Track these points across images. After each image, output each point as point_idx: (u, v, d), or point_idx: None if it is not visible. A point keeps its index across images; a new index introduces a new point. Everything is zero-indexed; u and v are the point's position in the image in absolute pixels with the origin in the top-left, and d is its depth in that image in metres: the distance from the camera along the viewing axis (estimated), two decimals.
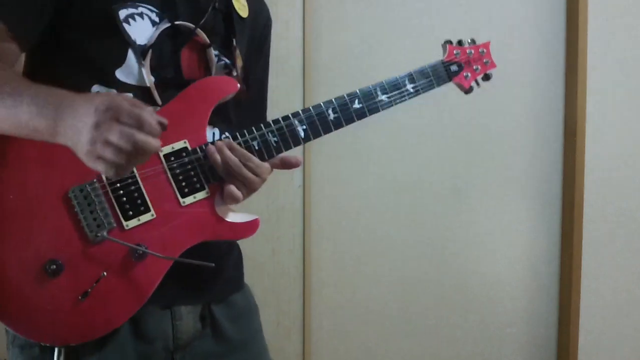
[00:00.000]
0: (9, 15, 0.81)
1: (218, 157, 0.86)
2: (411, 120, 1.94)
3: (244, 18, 0.99)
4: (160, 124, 0.74)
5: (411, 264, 1.99)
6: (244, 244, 1.07)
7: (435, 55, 2.05)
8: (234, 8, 0.97)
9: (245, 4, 1.00)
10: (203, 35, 0.92)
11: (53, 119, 0.72)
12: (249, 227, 0.91)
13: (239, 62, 0.96)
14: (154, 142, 0.72)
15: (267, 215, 1.85)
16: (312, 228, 1.92)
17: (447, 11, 1.94)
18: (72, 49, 0.86)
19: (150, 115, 0.72)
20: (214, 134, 0.95)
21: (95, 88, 0.85)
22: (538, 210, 2.00)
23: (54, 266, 0.81)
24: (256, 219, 0.91)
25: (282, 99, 1.82)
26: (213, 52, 0.94)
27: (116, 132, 0.70)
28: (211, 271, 0.89)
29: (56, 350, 0.84)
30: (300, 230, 1.92)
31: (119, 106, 0.70)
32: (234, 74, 0.96)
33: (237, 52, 0.96)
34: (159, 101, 0.88)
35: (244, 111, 1.03)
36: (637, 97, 1.99)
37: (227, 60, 0.96)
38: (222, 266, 0.97)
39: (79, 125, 0.70)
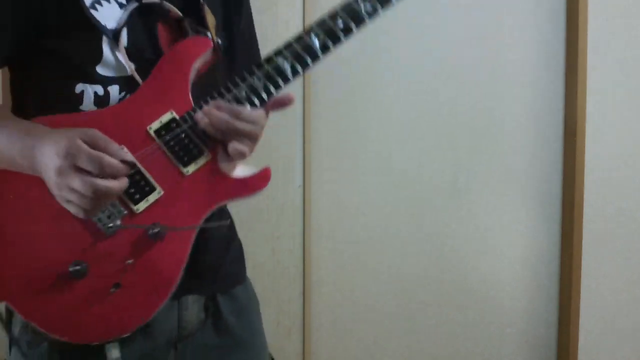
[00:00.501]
0: None
1: (208, 121, 0.84)
2: (411, 120, 1.94)
3: None
4: (126, 162, 0.74)
5: (411, 263, 1.99)
6: (243, 243, 1.07)
7: (435, 55, 2.05)
8: None
9: None
10: (174, 9, 0.90)
11: (29, 160, 0.76)
12: (261, 178, 0.88)
13: (210, 20, 0.93)
14: (117, 185, 0.74)
15: (267, 214, 1.85)
16: (312, 227, 1.93)
17: (447, 11, 1.94)
18: (50, 53, 0.84)
19: (114, 154, 0.73)
20: None
21: (80, 87, 0.84)
22: (538, 210, 2.00)
23: (79, 267, 0.81)
24: (266, 169, 0.89)
25: None
26: (188, 24, 0.91)
27: (76, 180, 0.71)
28: (215, 262, 0.89)
29: (106, 346, 0.84)
30: (300, 230, 1.92)
31: (78, 151, 0.71)
32: (208, 35, 0.92)
33: (206, 8, 0.93)
34: (140, 82, 0.86)
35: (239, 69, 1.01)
36: (637, 97, 1.99)
37: (203, 29, 0.93)
38: (225, 258, 0.97)
39: (47, 170, 0.73)
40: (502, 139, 1.98)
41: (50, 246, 0.82)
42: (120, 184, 0.74)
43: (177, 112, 0.86)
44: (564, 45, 1.96)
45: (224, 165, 0.87)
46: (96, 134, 0.75)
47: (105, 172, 0.72)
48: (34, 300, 0.82)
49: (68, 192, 0.73)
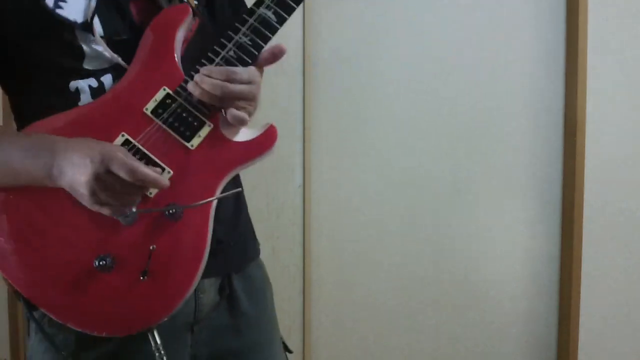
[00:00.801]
0: None
1: (201, 90, 0.81)
2: (411, 119, 1.94)
3: None
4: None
5: (411, 262, 1.99)
6: None
7: (435, 55, 2.05)
8: None
9: None
10: None
11: (48, 171, 0.77)
12: (268, 137, 0.86)
13: None
14: (159, 178, 0.77)
15: (267, 214, 1.86)
16: (312, 226, 1.93)
17: (447, 11, 1.94)
18: (35, 63, 0.84)
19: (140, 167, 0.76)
20: None
21: (73, 84, 0.84)
22: (538, 210, 2.01)
23: (104, 262, 0.80)
24: (270, 125, 0.87)
25: (282, 99, 1.82)
26: None
27: (116, 180, 0.75)
28: (224, 237, 0.88)
29: (148, 334, 0.83)
30: (300, 229, 1.92)
31: (109, 159, 0.74)
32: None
33: None
34: (124, 65, 0.85)
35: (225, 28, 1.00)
36: (637, 97, 1.99)
37: None
38: (234, 233, 0.96)
39: (79, 177, 0.75)
40: (502, 139, 1.98)
41: (73, 246, 0.81)
42: (165, 181, 0.78)
43: (169, 87, 0.84)
44: (564, 45, 1.96)
45: (227, 132, 0.85)
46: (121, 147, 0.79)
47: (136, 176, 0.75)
48: (66, 302, 0.81)
49: (108, 195, 0.76)
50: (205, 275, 0.88)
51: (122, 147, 0.80)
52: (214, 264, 0.88)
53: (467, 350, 2.03)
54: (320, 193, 1.92)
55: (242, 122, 0.82)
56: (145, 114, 0.83)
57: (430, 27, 1.94)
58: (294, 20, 1.87)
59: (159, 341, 0.83)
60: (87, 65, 0.83)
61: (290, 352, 1.08)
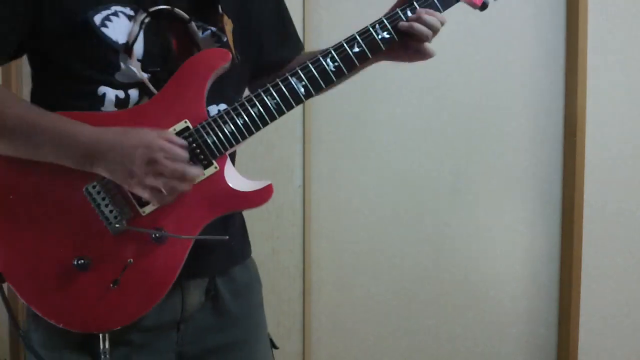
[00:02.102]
0: None
1: (418, 25, 0.95)
2: (411, 119, 1.94)
3: None
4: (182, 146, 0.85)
5: (411, 263, 1.99)
6: None
7: (437, 55, 2.05)
8: None
9: None
10: (180, 12, 0.91)
11: (83, 159, 0.83)
12: (264, 194, 0.91)
13: (229, 27, 0.95)
14: (197, 171, 0.85)
15: (266, 214, 1.86)
16: (312, 227, 1.93)
17: (447, 11, 1.94)
18: (67, 60, 0.87)
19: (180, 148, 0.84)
20: (219, 111, 0.94)
21: (102, 89, 0.87)
22: (538, 210, 2.01)
23: (82, 261, 0.85)
24: (269, 185, 0.92)
25: None
26: (195, 25, 0.93)
27: (168, 166, 0.82)
28: (215, 244, 0.91)
29: (101, 335, 0.88)
30: (300, 230, 1.92)
31: (162, 147, 0.82)
32: (224, 39, 0.94)
33: (225, 18, 0.94)
34: (154, 91, 0.89)
35: (275, 46, 1.07)
36: (637, 97, 1.99)
37: (213, 28, 0.94)
38: (221, 241, 0.98)
39: (131, 160, 0.81)
40: (502, 138, 1.98)
41: (59, 240, 0.86)
42: (197, 171, 0.85)
43: (191, 122, 0.88)
44: (564, 45, 1.96)
45: (228, 177, 0.90)
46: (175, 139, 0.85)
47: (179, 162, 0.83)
48: (37, 288, 0.87)
49: (156, 179, 0.82)
50: (191, 276, 0.93)
51: (174, 136, 0.85)
52: (199, 266, 0.92)
53: (467, 350, 2.03)
54: (320, 194, 1.92)
55: (428, 54, 1.01)
56: (145, 128, 0.86)
57: None
58: (295, 21, 1.87)
59: (107, 345, 0.88)
60: (118, 78, 0.88)
61: (276, 348, 1.11)
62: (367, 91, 1.92)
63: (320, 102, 1.87)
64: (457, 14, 2.06)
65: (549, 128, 1.99)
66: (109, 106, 0.88)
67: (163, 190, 0.83)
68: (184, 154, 0.85)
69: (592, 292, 1.99)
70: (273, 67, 1.09)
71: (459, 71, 1.94)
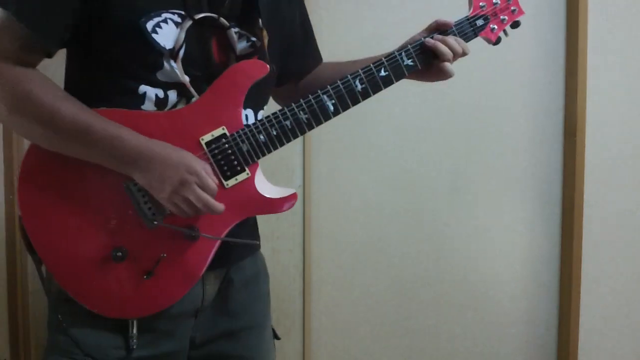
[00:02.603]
0: (34, 24, 0.86)
1: (443, 46, 1.05)
2: (411, 119, 1.94)
3: None
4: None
5: (411, 263, 1.99)
6: None
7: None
8: None
9: None
10: (223, 21, 0.96)
11: (126, 164, 0.88)
12: (287, 202, 0.99)
13: (266, 39, 1.00)
14: (219, 207, 0.91)
15: (267, 214, 1.86)
16: (312, 227, 1.93)
17: (447, 11, 1.93)
18: (113, 58, 0.92)
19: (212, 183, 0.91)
20: (247, 116, 1.00)
21: (143, 88, 0.92)
22: (538, 210, 2.01)
23: (120, 253, 0.91)
24: (294, 193, 1.00)
25: None
26: (233, 32, 0.98)
27: (195, 193, 0.88)
28: (232, 235, 0.97)
29: (129, 322, 0.95)
30: (300, 230, 1.92)
31: (202, 176, 0.89)
32: (258, 44, 1.00)
33: (264, 32, 1.00)
34: (194, 94, 0.94)
35: (300, 57, 1.15)
36: (637, 97, 1.99)
37: (249, 35, 1.00)
38: (239, 232, 1.02)
39: (168, 178, 0.87)
40: (501, 139, 1.98)
41: (99, 230, 0.92)
42: (220, 207, 0.91)
43: (228, 129, 0.94)
44: (564, 45, 1.96)
45: (258, 183, 0.97)
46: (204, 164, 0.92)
47: (208, 191, 0.90)
48: (74, 274, 0.93)
49: (182, 200, 0.89)
50: (212, 267, 0.99)
51: (207, 166, 0.92)
52: (219, 258, 0.98)
53: (467, 350, 2.03)
54: (320, 194, 1.92)
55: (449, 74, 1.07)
56: (199, 142, 0.93)
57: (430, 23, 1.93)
58: None
59: (135, 331, 0.95)
60: (159, 76, 0.92)
61: (278, 338, 1.18)
62: None
63: None
64: (457, 14, 2.06)
65: (548, 128, 1.99)
66: (148, 105, 0.92)
67: (185, 210, 0.90)
68: (214, 187, 0.91)
69: (592, 292, 2.00)
70: (295, 76, 1.17)
71: (459, 71, 1.92)
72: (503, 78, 1.97)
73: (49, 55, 0.91)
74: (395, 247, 1.98)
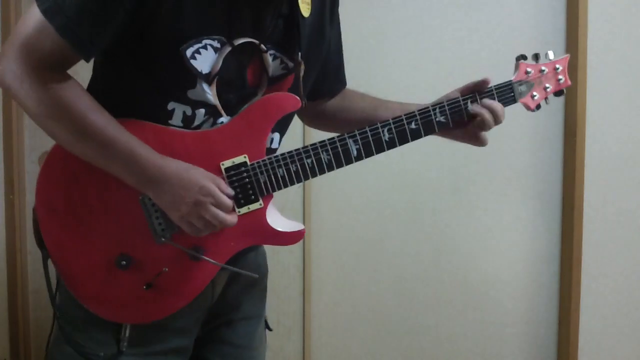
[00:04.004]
0: (79, 42, 0.86)
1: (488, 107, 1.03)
2: None
3: (305, 17, 1.01)
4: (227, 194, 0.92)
5: (411, 263, 1.99)
6: None
7: (435, 55, 2.05)
8: (299, 10, 0.99)
9: (309, 1, 1.02)
10: (262, 47, 0.96)
11: (142, 183, 0.90)
12: (295, 237, 1.00)
13: (302, 72, 1.01)
14: (233, 221, 0.92)
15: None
16: (312, 227, 1.93)
17: (447, 11, 1.94)
18: (146, 72, 0.92)
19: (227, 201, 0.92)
20: (272, 139, 1.02)
21: (172, 105, 0.92)
22: (538, 210, 2.01)
23: (124, 262, 0.93)
24: (302, 230, 1.00)
25: None
26: (269, 54, 0.98)
27: (209, 212, 0.89)
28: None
29: (123, 325, 0.97)
30: None
31: (217, 196, 0.89)
32: (291, 67, 1.00)
33: (302, 65, 1.00)
34: (224, 115, 0.95)
35: (332, 81, 1.17)
36: (637, 97, 1.99)
37: (284, 58, 0.99)
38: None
39: (184, 197, 0.89)
40: (502, 138, 1.98)
41: (108, 236, 0.93)
42: (233, 220, 0.92)
43: (249, 158, 0.95)
44: (564, 45, 1.96)
45: (268, 215, 0.98)
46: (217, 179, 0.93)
47: (223, 209, 0.91)
48: (79, 274, 0.95)
49: (197, 218, 0.90)
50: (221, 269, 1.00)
51: (218, 180, 0.92)
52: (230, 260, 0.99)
53: (467, 350, 2.03)
54: (320, 194, 1.92)
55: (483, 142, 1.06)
56: (219, 167, 0.94)
57: (431, 27, 1.94)
58: None
59: (127, 334, 0.97)
60: (190, 95, 0.93)
61: (269, 329, 1.22)
62: (367, 91, 1.92)
63: None
64: (457, 14, 2.07)
65: (549, 128, 1.99)
66: (176, 120, 0.93)
67: (201, 229, 0.91)
68: (229, 204, 0.92)
69: (592, 292, 2.00)
70: (322, 96, 1.20)
71: (459, 71, 1.94)
72: (503, 78, 1.97)
73: (86, 60, 0.92)
74: (396, 247, 1.98)
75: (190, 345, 1.06)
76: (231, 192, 0.93)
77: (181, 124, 0.93)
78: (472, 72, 1.94)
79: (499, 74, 1.96)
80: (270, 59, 0.98)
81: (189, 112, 0.93)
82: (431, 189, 1.97)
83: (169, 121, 0.93)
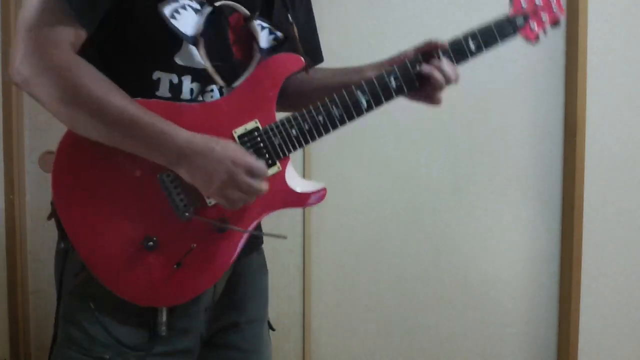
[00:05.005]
0: (77, 4, 0.85)
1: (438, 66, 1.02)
2: (411, 119, 1.94)
3: None
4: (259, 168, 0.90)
5: (411, 263, 1.99)
6: None
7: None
8: None
9: None
10: (242, 9, 0.96)
11: (173, 160, 0.87)
12: (317, 197, 0.99)
13: (296, 34, 1.00)
14: (264, 186, 0.90)
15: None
16: (312, 227, 1.93)
17: (447, 11, 1.94)
18: (130, 39, 0.91)
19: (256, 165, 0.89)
20: None
21: (157, 74, 0.92)
22: (538, 210, 2.01)
23: (151, 242, 0.91)
24: (323, 189, 0.99)
25: None
26: (256, 23, 0.97)
27: (246, 182, 0.87)
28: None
29: (158, 310, 0.95)
30: (300, 230, 1.92)
31: (244, 163, 0.87)
32: (281, 38, 0.99)
33: (294, 27, 0.99)
34: (220, 82, 0.95)
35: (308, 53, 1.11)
36: (637, 97, 1.99)
37: (272, 29, 0.99)
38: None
39: (216, 170, 0.86)
40: (502, 138, 1.98)
41: (131, 220, 0.92)
42: (266, 187, 0.90)
43: (261, 123, 0.94)
44: (564, 45, 1.96)
45: (288, 178, 0.96)
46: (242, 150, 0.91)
47: (256, 177, 0.89)
48: (106, 261, 0.93)
49: (232, 190, 0.87)
50: None
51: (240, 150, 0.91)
52: None
53: (467, 350, 2.03)
54: None
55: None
56: (232, 134, 0.93)
57: (431, 27, 1.93)
58: None
59: (165, 318, 0.95)
60: (177, 59, 0.92)
61: (273, 329, 1.20)
62: None
63: None
64: (457, 14, 2.07)
65: (549, 128, 1.99)
66: (163, 91, 0.92)
67: (236, 201, 0.89)
68: (264, 170, 0.90)
69: (592, 292, 2.00)
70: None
71: (459, 71, 1.94)
72: (503, 78, 1.97)
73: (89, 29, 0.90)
74: (396, 247, 1.98)
75: (195, 348, 1.04)
76: (262, 165, 0.91)
77: (169, 95, 0.92)
78: (472, 72, 1.95)
79: (499, 74, 1.97)
80: (258, 28, 0.97)
81: (175, 80, 0.92)
82: (431, 189, 1.97)
83: (156, 92, 0.92)
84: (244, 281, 1.08)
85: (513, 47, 1.96)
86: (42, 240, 1.94)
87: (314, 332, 1.96)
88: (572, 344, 1.98)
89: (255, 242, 1.12)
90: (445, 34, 1.87)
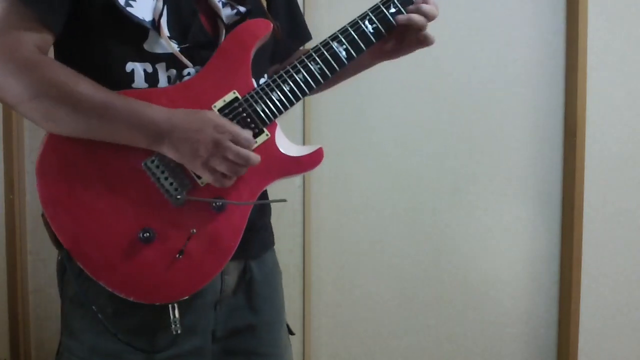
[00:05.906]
0: (39, 4, 0.84)
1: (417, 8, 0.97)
2: (411, 119, 1.94)
3: None
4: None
5: (411, 263, 1.99)
6: None
7: (435, 55, 2.04)
8: None
9: None
10: None
11: (154, 138, 0.84)
12: (315, 158, 0.96)
13: (264, 3, 0.98)
14: (257, 157, 0.87)
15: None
16: (312, 227, 1.93)
17: (447, 11, 1.93)
18: (96, 33, 0.89)
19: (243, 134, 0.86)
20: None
21: (130, 65, 0.89)
22: (538, 210, 2.01)
23: (147, 234, 0.88)
24: (319, 148, 0.96)
25: None
26: (216, 1, 0.95)
27: (232, 151, 0.84)
28: (250, 226, 0.94)
29: (169, 306, 0.90)
30: (300, 230, 1.92)
31: (228, 129, 0.84)
32: (243, 12, 0.96)
33: None
34: (188, 63, 0.91)
35: (289, 36, 1.10)
36: (637, 97, 1.99)
37: (233, 3, 0.96)
38: (258, 222, 1.03)
39: (200, 141, 0.83)
40: (502, 138, 1.98)
41: (123, 213, 0.88)
42: (257, 157, 0.87)
43: (239, 92, 0.91)
44: (564, 45, 1.96)
45: (280, 144, 0.93)
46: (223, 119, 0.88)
47: (243, 146, 0.85)
48: (104, 262, 0.88)
49: (220, 161, 0.84)
50: (231, 258, 0.94)
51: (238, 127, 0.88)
52: (238, 249, 0.94)
53: (467, 350, 2.03)
54: (320, 194, 1.92)
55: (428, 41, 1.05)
56: (212, 110, 0.90)
57: (430, 27, 1.93)
58: None
59: (177, 315, 0.90)
60: (147, 47, 0.89)
61: (292, 334, 1.17)
62: (367, 91, 1.92)
63: (321, 102, 1.88)
64: (457, 14, 2.07)
65: (549, 128, 1.99)
66: (139, 82, 0.89)
67: (226, 173, 0.86)
68: (250, 137, 0.87)
69: (592, 292, 2.00)
70: (281, 56, 1.13)
71: (459, 71, 1.94)
72: (503, 78, 1.97)
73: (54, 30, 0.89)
74: (396, 247, 1.98)
75: (206, 347, 0.99)
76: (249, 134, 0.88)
77: (145, 85, 0.89)
78: (472, 71, 1.96)
79: (499, 74, 1.97)
80: (219, 4, 0.94)
81: (149, 69, 0.89)
82: (431, 189, 1.97)
83: (132, 85, 0.89)
84: (260, 282, 1.04)
85: (513, 47, 1.97)
86: (42, 240, 1.94)
87: (314, 332, 1.96)
88: (572, 344, 1.98)
89: (267, 240, 1.10)
90: (445, 34, 1.87)
